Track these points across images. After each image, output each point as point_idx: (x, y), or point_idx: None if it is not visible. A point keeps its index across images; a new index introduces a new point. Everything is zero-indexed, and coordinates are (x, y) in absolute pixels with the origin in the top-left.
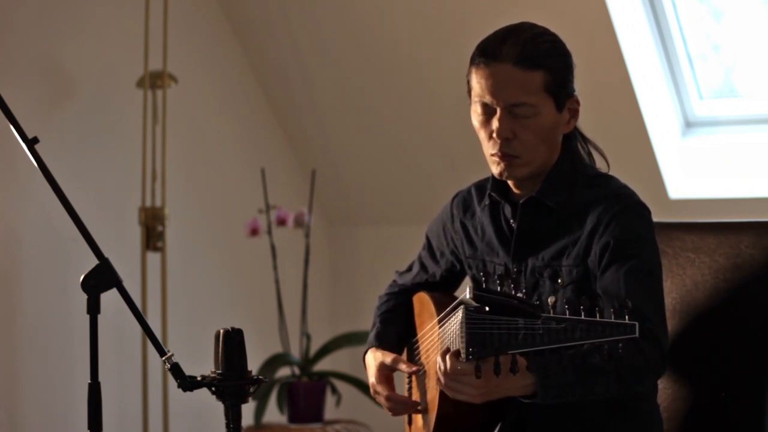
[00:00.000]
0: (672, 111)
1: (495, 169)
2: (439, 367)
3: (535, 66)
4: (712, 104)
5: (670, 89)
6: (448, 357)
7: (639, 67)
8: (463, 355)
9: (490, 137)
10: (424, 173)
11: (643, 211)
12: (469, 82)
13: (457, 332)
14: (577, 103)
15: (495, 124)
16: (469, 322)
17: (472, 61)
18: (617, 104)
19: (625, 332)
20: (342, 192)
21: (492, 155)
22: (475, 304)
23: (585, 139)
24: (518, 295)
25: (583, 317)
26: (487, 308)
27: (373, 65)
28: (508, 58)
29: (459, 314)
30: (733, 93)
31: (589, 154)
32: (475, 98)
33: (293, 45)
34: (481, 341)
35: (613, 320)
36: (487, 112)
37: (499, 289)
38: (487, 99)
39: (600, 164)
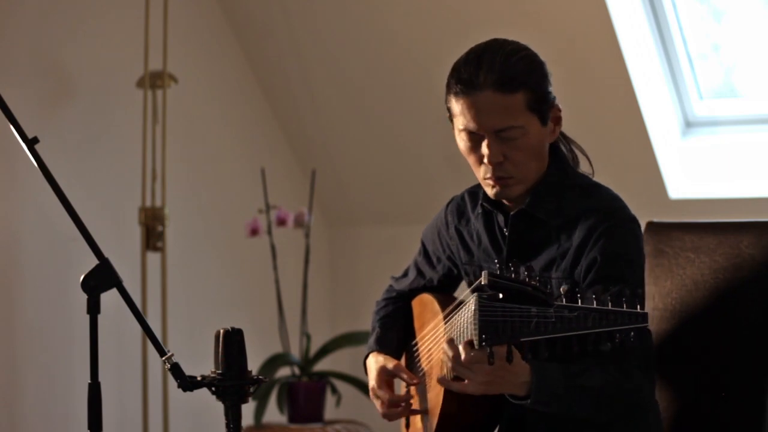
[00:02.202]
0: (672, 111)
1: (490, 192)
2: (448, 355)
3: (515, 88)
4: (712, 104)
5: (670, 89)
6: (461, 346)
7: (639, 67)
8: (476, 343)
9: (481, 162)
10: (424, 173)
11: (634, 227)
12: (449, 109)
13: (470, 320)
14: (559, 110)
15: (485, 150)
16: (482, 309)
17: (450, 88)
18: (617, 104)
19: (637, 321)
20: (342, 192)
21: (485, 179)
22: (485, 293)
23: (567, 140)
24: (532, 282)
25: (595, 306)
26: (501, 295)
27: (373, 65)
28: (486, 84)
29: (471, 304)
30: (733, 93)
31: (571, 152)
32: (459, 126)
33: (293, 45)
34: (493, 329)
35: (625, 309)
36: (474, 139)
37: (513, 276)
38: (472, 127)
39: (583, 163)
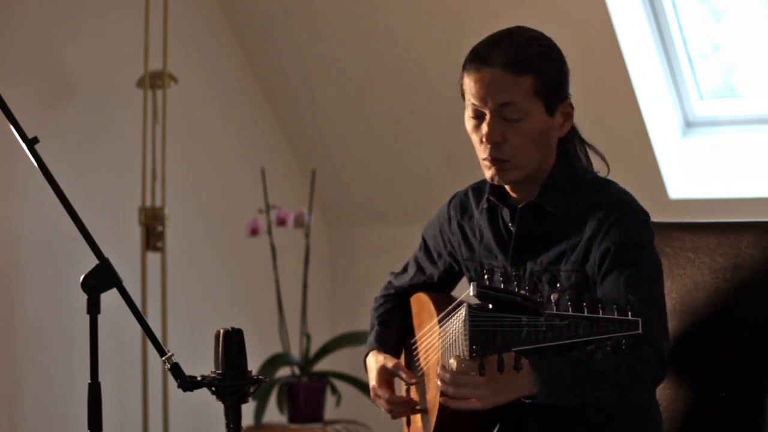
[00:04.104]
0: (672, 111)
1: (487, 174)
2: (445, 380)
3: (524, 71)
4: (712, 104)
5: (670, 89)
6: (453, 362)
7: (639, 67)
8: (466, 353)
9: (481, 141)
10: (424, 173)
11: (644, 218)
12: (461, 86)
13: (460, 330)
14: (571, 107)
15: (484, 128)
16: (471, 320)
17: (465, 65)
18: (617, 104)
19: (628, 329)
20: (342, 192)
21: (483, 159)
22: (477, 301)
23: (583, 142)
24: (521, 292)
25: (585, 314)
26: (490, 305)
27: (373, 65)
28: (497, 62)
29: (461, 312)
30: (733, 93)
31: (587, 157)
32: (467, 102)
33: (293, 45)
34: (484, 339)
35: (615, 317)
36: (478, 116)
37: (502, 286)
38: (477, 102)
39: (599, 167)
